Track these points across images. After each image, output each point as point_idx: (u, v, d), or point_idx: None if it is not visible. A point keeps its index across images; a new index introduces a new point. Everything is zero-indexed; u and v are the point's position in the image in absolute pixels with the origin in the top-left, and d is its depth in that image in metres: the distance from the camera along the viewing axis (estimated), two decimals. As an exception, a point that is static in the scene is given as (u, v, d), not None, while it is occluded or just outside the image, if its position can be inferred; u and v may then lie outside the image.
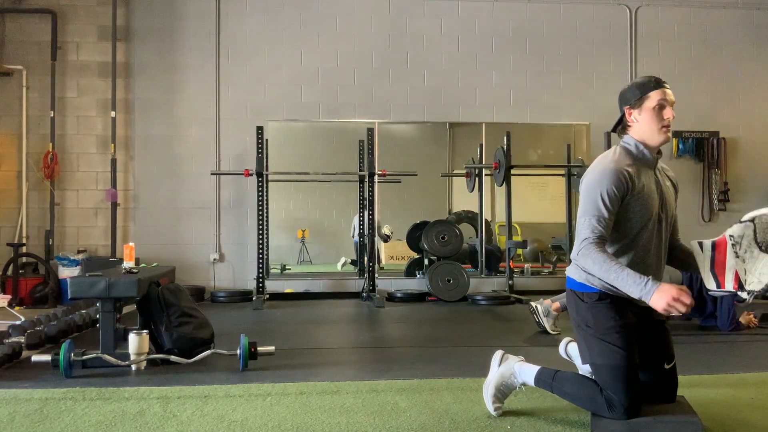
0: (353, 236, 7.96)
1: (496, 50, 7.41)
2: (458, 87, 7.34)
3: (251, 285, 6.71)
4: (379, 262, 7.67)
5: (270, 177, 6.76)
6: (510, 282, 6.83)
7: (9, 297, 6.13)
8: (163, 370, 3.43)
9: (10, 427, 2.50)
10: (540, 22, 7.46)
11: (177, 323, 3.65)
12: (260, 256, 6.55)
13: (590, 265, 2.31)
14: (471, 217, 7.91)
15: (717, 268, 2.38)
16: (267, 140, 6.71)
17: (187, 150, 7.04)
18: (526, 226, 7.95)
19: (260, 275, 6.51)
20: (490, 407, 2.60)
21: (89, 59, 6.99)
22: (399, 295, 6.76)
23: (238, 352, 3.44)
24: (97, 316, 4.02)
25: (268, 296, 6.50)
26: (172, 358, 3.50)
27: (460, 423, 2.52)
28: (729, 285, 2.35)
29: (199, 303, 5.91)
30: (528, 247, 7.54)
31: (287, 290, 7.02)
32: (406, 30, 7.33)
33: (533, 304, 4.68)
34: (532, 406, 2.73)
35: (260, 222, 6.59)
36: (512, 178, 6.89)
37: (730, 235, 2.36)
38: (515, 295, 6.56)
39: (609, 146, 6.93)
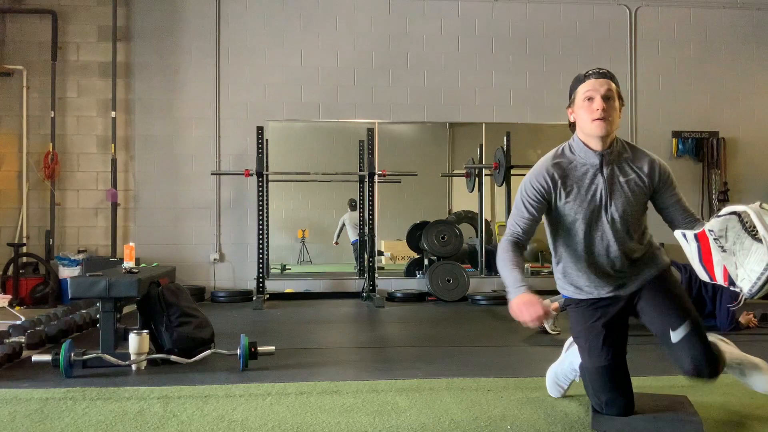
0: (339, 236, 8.06)
1: (496, 50, 7.41)
2: (458, 87, 7.35)
3: (251, 285, 6.71)
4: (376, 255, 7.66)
5: (270, 177, 6.76)
6: (510, 282, 6.81)
7: (9, 297, 6.13)
8: (163, 370, 3.43)
9: (11, 427, 2.50)
10: (540, 22, 7.46)
11: (177, 323, 3.65)
12: (260, 256, 6.55)
13: (498, 261, 2.36)
14: (471, 217, 7.91)
15: (705, 261, 2.31)
16: (267, 140, 6.72)
17: (187, 150, 7.04)
18: (526, 226, 7.93)
19: (260, 275, 6.51)
20: (549, 390, 2.76)
21: (89, 59, 6.99)
22: (399, 295, 6.76)
23: (238, 352, 3.44)
24: (98, 316, 4.02)
25: (268, 296, 6.50)
26: (173, 358, 3.50)
27: (460, 423, 2.52)
28: (720, 280, 2.28)
29: (199, 303, 5.91)
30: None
31: (287, 290, 7.03)
32: (406, 30, 7.33)
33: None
34: (532, 406, 2.74)
35: (260, 222, 6.60)
36: (512, 178, 6.90)
37: (710, 230, 2.26)
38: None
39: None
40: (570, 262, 2.46)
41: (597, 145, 2.37)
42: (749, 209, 2.16)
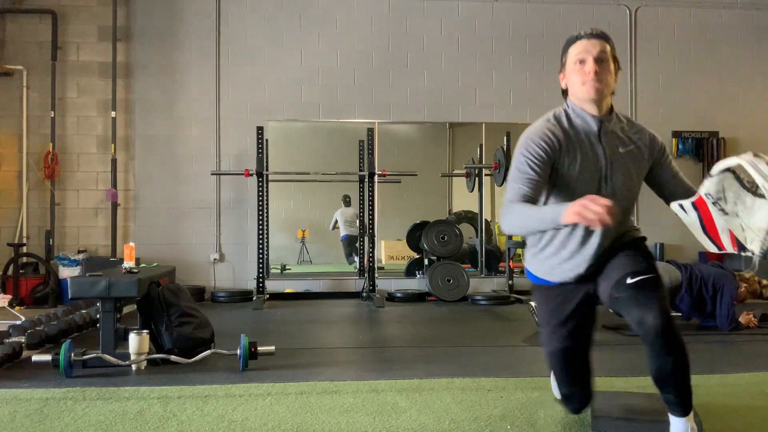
0: (333, 229, 8.08)
1: (496, 50, 7.41)
2: (458, 87, 7.35)
3: (251, 285, 6.71)
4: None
5: (270, 177, 6.76)
6: (510, 282, 6.83)
7: (9, 297, 6.11)
8: (163, 370, 3.43)
9: (11, 427, 2.50)
10: (540, 22, 7.46)
11: (177, 323, 3.65)
12: (260, 256, 6.55)
13: (515, 220, 2.06)
14: (471, 217, 7.92)
15: (709, 230, 2.10)
16: (267, 140, 6.71)
17: (187, 150, 7.04)
18: (526, 226, 7.93)
19: (260, 275, 6.51)
20: (554, 390, 2.66)
21: (89, 59, 6.99)
22: (399, 295, 6.76)
23: (238, 352, 3.44)
24: (98, 316, 4.01)
25: (268, 296, 6.50)
26: (173, 358, 3.50)
27: (460, 423, 2.52)
28: (728, 247, 2.08)
29: (199, 303, 5.91)
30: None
31: (287, 290, 7.03)
32: (406, 30, 7.33)
33: (533, 303, 4.67)
34: (532, 406, 2.74)
35: (260, 222, 6.60)
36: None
37: (707, 194, 2.04)
38: (515, 295, 6.56)
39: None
40: (558, 238, 2.23)
41: (594, 110, 2.18)
42: (742, 161, 1.96)
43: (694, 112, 7.61)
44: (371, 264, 6.59)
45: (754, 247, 2.00)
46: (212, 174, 6.89)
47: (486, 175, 7.45)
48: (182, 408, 2.73)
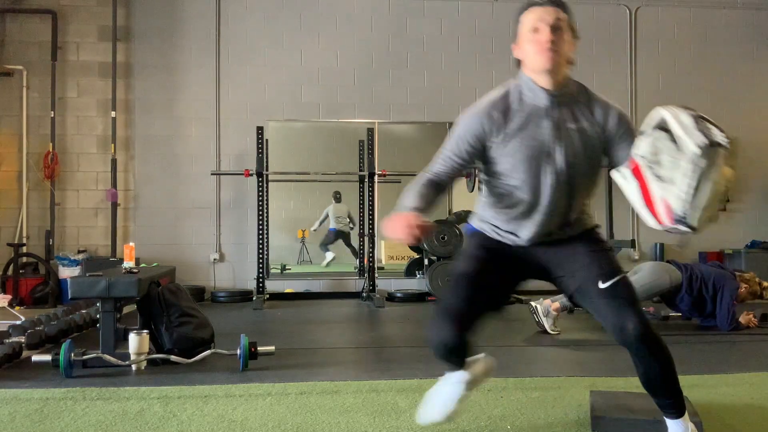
0: (321, 224, 8.08)
1: (496, 50, 7.41)
2: (458, 87, 7.35)
3: (251, 285, 6.71)
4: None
5: (270, 177, 6.76)
6: (510, 282, 6.82)
7: (9, 297, 6.12)
8: (163, 370, 3.43)
9: (10, 427, 2.50)
10: (540, 22, 7.45)
11: (177, 323, 3.65)
12: (260, 256, 6.55)
13: (407, 191, 2.10)
14: (471, 217, 7.91)
15: (646, 200, 1.86)
16: (267, 140, 6.71)
17: (187, 150, 7.04)
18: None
19: (260, 275, 6.51)
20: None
21: (89, 59, 6.99)
22: (399, 295, 6.76)
23: (238, 352, 3.44)
24: (98, 316, 4.02)
25: (268, 296, 6.50)
26: (172, 358, 3.50)
27: (460, 423, 2.52)
28: (665, 220, 1.83)
29: (199, 303, 5.91)
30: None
31: (287, 290, 7.03)
32: (406, 30, 7.33)
33: (533, 303, 4.67)
34: (532, 406, 2.73)
35: (260, 222, 6.60)
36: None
37: (641, 156, 1.84)
38: (515, 295, 6.55)
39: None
40: (499, 207, 2.17)
41: (547, 83, 2.04)
42: (665, 112, 1.82)
43: (694, 112, 7.60)
44: (371, 264, 6.58)
45: (692, 221, 1.80)
46: (212, 174, 6.89)
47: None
48: (182, 408, 2.73)
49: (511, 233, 2.16)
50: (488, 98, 2.14)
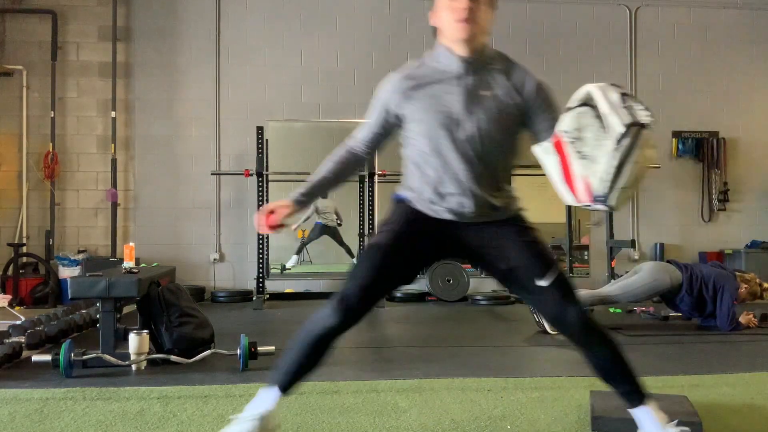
0: (306, 219, 8.05)
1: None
2: (458, 87, 7.33)
3: (251, 285, 6.71)
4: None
5: (270, 177, 6.76)
6: (510, 282, 6.82)
7: (9, 297, 6.12)
8: (163, 370, 3.43)
9: (10, 427, 2.50)
10: (540, 22, 7.46)
11: (177, 323, 3.65)
12: (260, 256, 6.55)
13: (323, 161, 2.15)
14: (471, 217, 7.91)
15: (566, 176, 1.84)
16: (267, 140, 6.72)
17: (187, 150, 7.04)
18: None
19: (260, 275, 6.51)
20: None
21: (89, 59, 6.99)
22: (399, 295, 6.75)
23: (238, 352, 3.44)
24: (97, 316, 4.02)
25: (268, 296, 6.50)
26: (172, 358, 3.50)
27: (460, 423, 2.52)
28: (583, 197, 1.81)
29: (199, 303, 5.90)
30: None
31: (287, 290, 7.03)
32: (406, 30, 7.33)
33: (533, 304, 4.67)
34: (532, 406, 2.73)
35: (260, 222, 6.58)
36: (511, 178, 6.89)
37: (564, 131, 1.82)
38: (515, 296, 6.56)
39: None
40: (417, 176, 2.12)
41: (462, 51, 2.02)
42: (593, 88, 1.81)
43: (694, 112, 7.61)
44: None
45: (611, 201, 1.78)
46: (212, 174, 6.89)
47: (486, 175, 7.45)
48: (182, 408, 2.73)
49: (432, 203, 2.08)
50: (402, 68, 2.13)
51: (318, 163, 2.23)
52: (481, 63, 2.06)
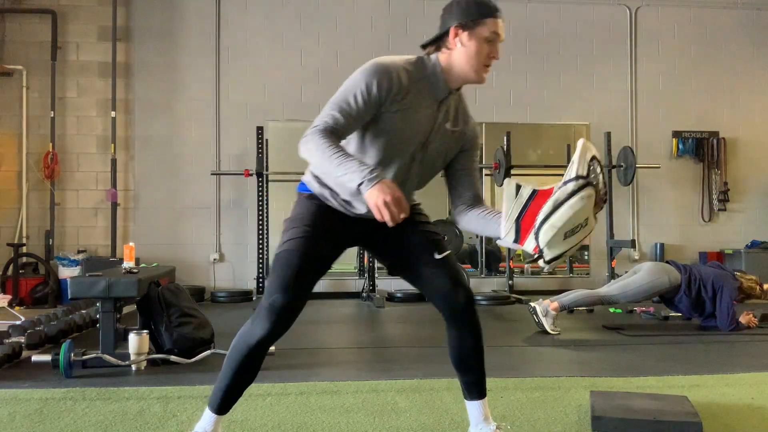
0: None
1: (496, 50, 7.40)
2: (458, 87, 7.33)
3: (251, 285, 6.71)
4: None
5: (270, 177, 6.76)
6: (510, 282, 6.83)
7: (9, 297, 6.13)
8: (163, 370, 3.43)
9: (10, 427, 2.50)
10: (540, 22, 7.46)
11: (177, 323, 3.65)
12: (260, 256, 6.55)
13: (312, 150, 1.90)
14: (471, 217, 7.91)
15: (525, 220, 1.91)
16: (267, 140, 6.72)
17: (187, 150, 7.04)
18: (526, 226, 7.94)
19: (260, 275, 6.51)
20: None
21: (89, 59, 6.99)
22: (399, 295, 6.75)
23: (238, 352, 3.43)
24: (97, 316, 4.01)
25: (268, 296, 6.49)
26: (172, 358, 3.50)
27: (460, 423, 2.52)
28: (529, 245, 1.89)
29: (199, 303, 5.90)
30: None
31: (287, 290, 7.01)
32: (406, 30, 7.33)
33: (532, 304, 4.68)
34: (532, 406, 2.73)
35: (260, 222, 6.59)
36: (512, 178, 6.90)
37: (577, 176, 1.90)
38: (515, 295, 6.56)
39: (609, 146, 6.95)
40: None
41: (454, 84, 2.05)
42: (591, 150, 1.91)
43: (694, 112, 7.61)
44: (371, 264, 6.58)
45: (549, 254, 1.87)
46: (212, 174, 6.89)
47: (486, 175, 7.44)
48: (182, 408, 2.73)
49: (350, 204, 2.06)
50: (403, 60, 2.10)
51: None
52: (457, 99, 2.13)
